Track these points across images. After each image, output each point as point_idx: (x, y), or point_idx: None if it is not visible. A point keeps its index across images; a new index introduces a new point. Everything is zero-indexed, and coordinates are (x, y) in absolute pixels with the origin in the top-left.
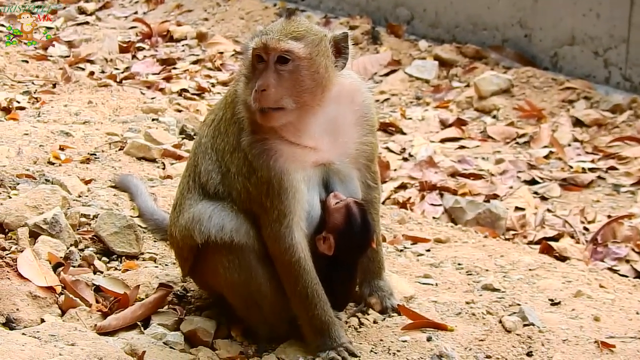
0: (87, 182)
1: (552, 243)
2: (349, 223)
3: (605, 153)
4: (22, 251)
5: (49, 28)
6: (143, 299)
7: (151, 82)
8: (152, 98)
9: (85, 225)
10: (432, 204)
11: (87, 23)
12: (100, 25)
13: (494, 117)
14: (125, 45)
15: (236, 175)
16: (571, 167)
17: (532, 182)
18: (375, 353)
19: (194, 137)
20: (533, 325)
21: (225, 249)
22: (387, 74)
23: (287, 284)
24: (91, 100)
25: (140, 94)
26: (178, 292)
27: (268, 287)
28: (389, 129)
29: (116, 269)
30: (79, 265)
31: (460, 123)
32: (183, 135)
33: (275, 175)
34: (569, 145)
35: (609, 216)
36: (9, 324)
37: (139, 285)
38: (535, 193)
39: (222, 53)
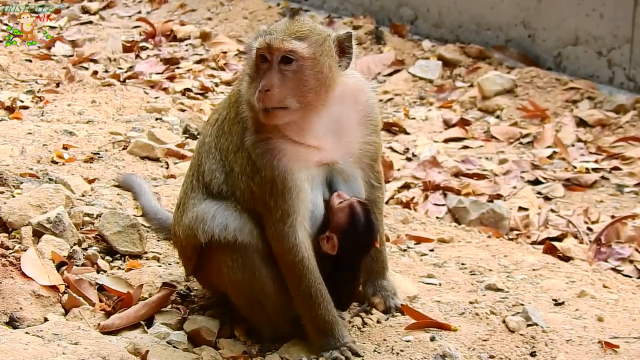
0: (90, 182)
1: (555, 243)
2: (353, 223)
3: (608, 153)
4: (25, 250)
5: (52, 27)
6: (146, 298)
7: (155, 82)
8: (156, 97)
9: (88, 224)
10: (436, 204)
11: (90, 22)
12: (103, 24)
13: (498, 117)
14: (128, 44)
15: (240, 175)
16: (575, 167)
17: (536, 182)
18: (379, 353)
19: (198, 136)
20: (537, 325)
21: (229, 249)
22: (390, 74)
23: (290, 284)
24: (95, 99)
25: (144, 94)
26: (181, 292)
27: (271, 287)
28: (392, 128)
29: (119, 268)
30: (83, 265)
31: (463, 123)
32: (186, 135)
33: (279, 174)
34: (573, 145)
35: (613, 216)
36: (13, 322)
37: (142, 284)
38: (539, 193)
39: (225, 53)
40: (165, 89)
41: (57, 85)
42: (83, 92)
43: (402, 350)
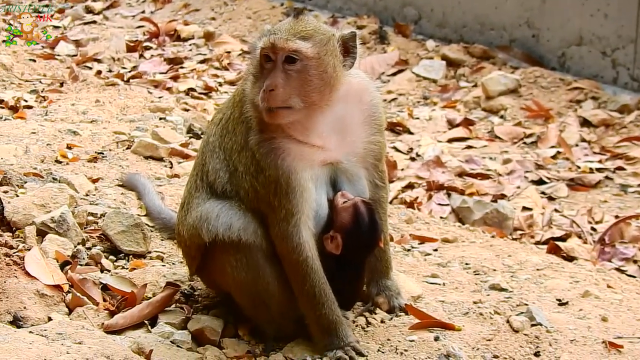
0: (94, 181)
1: (559, 243)
2: (357, 222)
3: (612, 153)
4: (29, 249)
5: (55, 27)
6: (150, 298)
7: (158, 81)
8: (160, 97)
9: (92, 223)
10: (440, 204)
11: (94, 22)
12: (107, 24)
13: (502, 117)
14: (132, 44)
15: (244, 174)
16: (579, 167)
17: (540, 182)
18: (383, 352)
19: (202, 136)
20: (541, 325)
21: (233, 248)
22: (394, 74)
23: (294, 283)
24: (98, 99)
25: (148, 93)
26: (185, 291)
27: (275, 286)
28: (396, 128)
29: (123, 267)
30: (86, 264)
31: (467, 123)
32: (190, 134)
33: (283, 174)
34: (577, 145)
35: (617, 216)
36: (17, 322)
37: (146, 284)
38: (543, 193)
39: (229, 52)
40: (169, 89)
41: (61, 84)
42: (87, 92)
43: (406, 350)
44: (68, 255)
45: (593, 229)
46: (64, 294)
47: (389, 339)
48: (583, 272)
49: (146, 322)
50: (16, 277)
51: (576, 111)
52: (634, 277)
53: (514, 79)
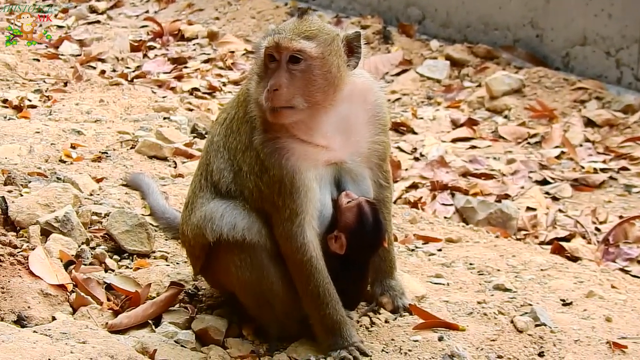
0: (98, 181)
1: (563, 243)
2: (361, 222)
3: (616, 153)
4: (33, 249)
5: (59, 27)
6: (154, 298)
7: (162, 81)
8: (164, 97)
9: (96, 223)
10: (444, 204)
11: (98, 22)
12: (111, 24)
13: (506, 117)
14: (136, 44)
15: (248, 174)
16: (583, 167)
17: (544, 182)
18: (387, 352)
19: (205, 135)
20: (545, 325)
21: (237, 248)
22: (398, 74)
23: (298, 283)
24: (102, 98)
25: (152, 93)
26: (189, 291)
27: (280, 286)
28: (400, 128)
29: (127, 267)
30: (91, 264)
31: (471, 123)
32: (194, 134)
33: (287, 173)
34: (581, 145)
35: (621, 217)
36: (21, 321)
37: (150, 283)
38: (547, 193)
39: (233, 52)
40: (173, 89)
41: (65, 84)
42: (91, 92)
43: (410, 350)
44: (72, 255)
45: (597, 229)
46: (68, 293)
47: (393, 339)
48: (587, 272)
49: (150, 321)
50: (20, 276)
51: (580, 111)
52: (638, 277)
53: (518, 79)
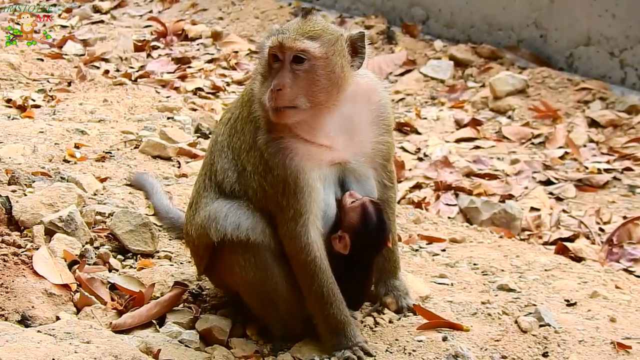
0: (102, 180)
1: (567, 244)
2: (365, 222)
3: (620, 154)
4: (37, 249)
5: (63, 26)
6: (158, 297)
7: (166, 81)
8: (167, 97)
9: (100, 223)
10: (448, 204)
11: (102, 22)
12: (115, 23)
13: (509, 117)
14: (140, 43)
15: (252, 174)
16: (586, 167)
17: (548, 182)
18: (391, 352)
19: (209, 135)
20: (549, 325)
21: (241, 248)
22: (402, 74)
23: (302, 283)
24: (106, 98)
25: (155, 93)
26: (193, 291)
27: (284, 286)
28: (404, 128)
29: (131, 267)
30: (95, 263)
31: (475, 123)
32: (198, 134)
33: (291, 173)
34: (585, 146)
35: (625, 217)
36: (25, 321)
37: (154, 283)
38: (551, 194)
39: (236, 52)
40: (176, 88)
41: (69, 84)
42: (95, 91)
43: (414, 350)
44: (76, 255)
45: (601, 229)
46: (72, 293)
47: (397, 339)
48: (591, 272)
49: (154, 321)
50: (24, 276)
51: (584, 112)
52: None
53: (522, 79)
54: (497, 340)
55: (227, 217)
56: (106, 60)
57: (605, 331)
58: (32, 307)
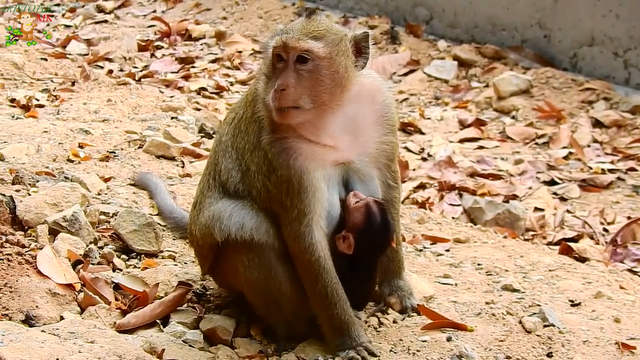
0: (106, 180)
1: (571, 244)
2: (369, 222)
3: (624, 154)
4: (41, 248)
5: (67, 26)
6: (162, 297)
7: (170, 81)
8: (171, 96)
9: (104, 222)
10: (451, 204)
11: (105, 21)
12: (118, 23)
13: (513, 117)
14: (143, 43)
15: (256, 174)
16: (590, 168)
17: (552, 182)
18: (395, 353)
19: (213, 135)
20: (553, 326)
21: (245, 248)
22: (406, 74)
23: (306, 283)
24: (110, 98)
25: (159, 93)
26: (197, 291)
27: (288, 286)
28: (407, 128)
29: (135, 266)
30: (98, 263)
31: (479, 123)
32: (202, 134)
33: (295, 173)
34: (589, 146)
35: (629, 217)
36: (29, 321)
37: (158, 283)
38: (555, 194)
39: (240, 52)
40: (180, 88)
41: (73, 84)
42: (98, 91)
43: (418, 351)
44: (80, 255)
45: (605, 230)
46: (76, 293)
47: (401, 339)
48: (595, 273)
49: (158, 321)
50: (28, 276)
51: (588, 112)
52: None
53: (526, 79)
54: (502, 341)
55: (231, 217)
56: (110, 60)
57: (610, 331)
58: (36, 306)
